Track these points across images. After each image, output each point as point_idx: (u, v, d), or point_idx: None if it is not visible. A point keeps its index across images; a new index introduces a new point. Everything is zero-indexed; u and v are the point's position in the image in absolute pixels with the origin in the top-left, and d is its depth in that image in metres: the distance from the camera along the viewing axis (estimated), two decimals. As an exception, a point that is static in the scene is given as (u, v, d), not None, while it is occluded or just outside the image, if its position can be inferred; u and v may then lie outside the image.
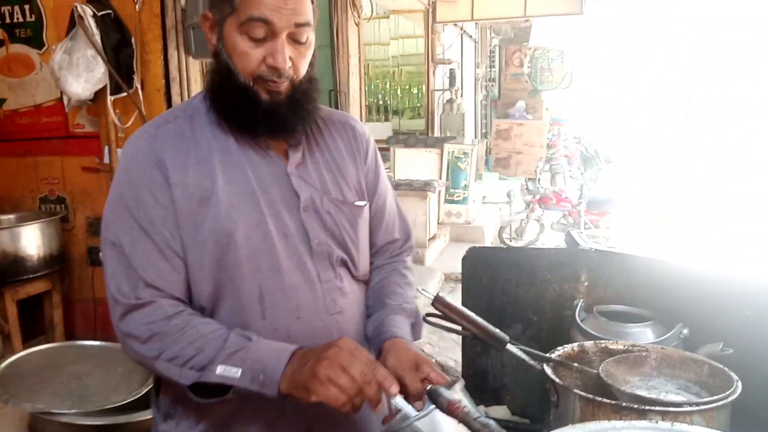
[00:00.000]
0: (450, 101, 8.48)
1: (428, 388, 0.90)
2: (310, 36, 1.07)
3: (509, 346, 1.09)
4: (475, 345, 1.64)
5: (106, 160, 2.97)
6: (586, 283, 1.55)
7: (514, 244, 6.70)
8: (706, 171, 12.35)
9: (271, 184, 1.10)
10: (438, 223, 6.21)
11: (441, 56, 8.29)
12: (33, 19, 3.06)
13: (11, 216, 3.15)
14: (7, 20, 3.09)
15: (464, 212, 6.62)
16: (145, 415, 2.15)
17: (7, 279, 2.87)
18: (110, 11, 2.78)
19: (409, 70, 9.59)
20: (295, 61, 1.06)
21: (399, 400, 0.92)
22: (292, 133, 1.12)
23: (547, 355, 1.11)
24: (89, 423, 2.02)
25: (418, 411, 0.93)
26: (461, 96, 9.00)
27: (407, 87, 9.76)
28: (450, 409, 0.86)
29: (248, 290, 1.06)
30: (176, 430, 1.11)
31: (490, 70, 12.45)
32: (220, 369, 0.96)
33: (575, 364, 1.11)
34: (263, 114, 1.06)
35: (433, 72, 8.26)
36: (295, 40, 1.04)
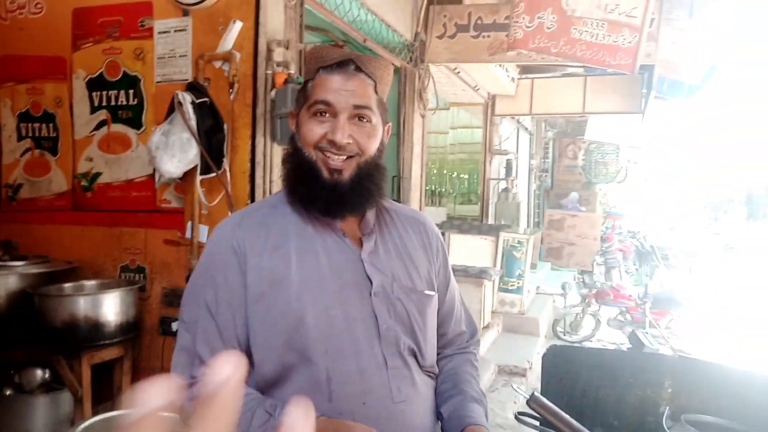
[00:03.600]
0: (506, 190, 8.59)
1: None
2: (373, 119, 1.19)
3: (604, 452, 1.10)
4: (553, 445, 1.62)
5: (188, 234, 3.15)
6: (669, 390, 1.54)
7: (568, 338, 6.55)
8: (769, 273, 11.88)
9: (345, 270, 1.18)
10: (492, 312, 6.16)
11: (498, 147, 8.49)
12: (135, 102, 3.35)
13: (93, 282, 3.33)
14: (112, 102, 3.39)
15: (518, 302, 6.56)
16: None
17: (85, 343, 3.00)
18: (207, 99, 3.03)
19: (462, 157, 9.82)
20: (358, 139, 1.16)
21: None
22: (353, 212, 1.21)
23: (643, 463, 1.11)
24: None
25: None
26: (516, 185, 9.12)
27: (459, 174, 9.96)
28: None
29: (315, 372, 1.11)
30: None
31: (544, 161, 12.59)
32: None
33: (672, 476, 1.10)
34: (322, 188, 1.16)
35: (490, 161, 8.44)
36: (357, 121, 1.16)
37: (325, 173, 1.16)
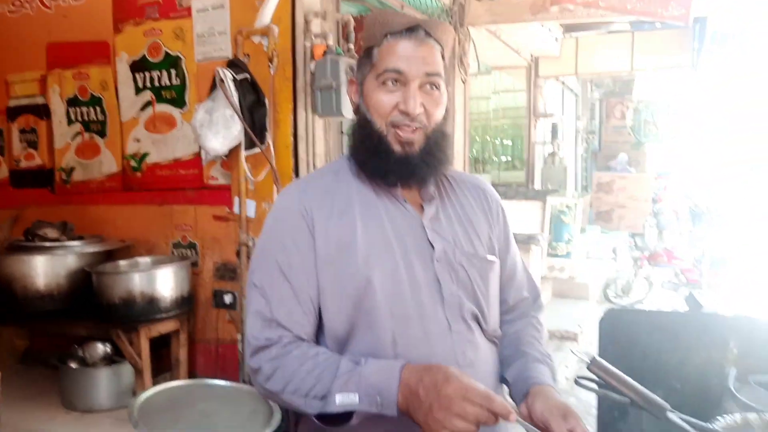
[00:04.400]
0: (552, 154, 8.39)
1: None
2: (441, 86, 1.16)
3: (669, 415, 1.07)
4: (612, 409, 1.59)
5: (236, 210, 3.19)
6: (735, 351, 1.48)
7: (620, 302, 6.42)
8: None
9: (407, 235, 1.17)
10: (541, 278, 6.08)
11: (542, 110, 8.28)
12: (178, 82, 3.38)
13: (147, 259, 3.43)
14: (156, 83, 3.44)
15: (568, 267, 6.45)
16: (269, 457, 2.23)
17: (142, 318, 3.10)
18: (247, 75, 3.03)
19: (505, 123, 9.62)
20: (428, 108, 1.14)
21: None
22: (423, 182, 1.19)
23: (712, 426, 1.08)
24: (221, 461, 2.12)
25: None
26: (562, 149, 8.90)
27: (502, 140, 9.77)
28: None
29: (382, 334, 1.11)
30: None
31: (591, 123, 12.24)
32: (339, 398, 1.01)
33: (742, 438, 1.06)
34: (395, 162, 1.14)
35: (534, 125, 8.25)
36: (427, 88, 1.13)
37: (397, 147, 1.14)
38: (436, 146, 1.17)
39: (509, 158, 9.59)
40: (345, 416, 1.03)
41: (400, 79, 1.12)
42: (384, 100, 1.13)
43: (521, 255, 1.41)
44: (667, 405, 1.06)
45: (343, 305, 1.12)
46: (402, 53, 1.12)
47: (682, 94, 11.68)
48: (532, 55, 7.75)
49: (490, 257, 1.24)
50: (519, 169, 9.03)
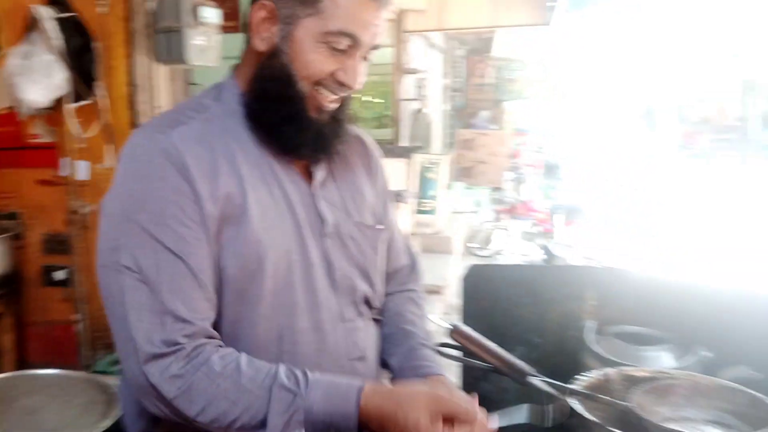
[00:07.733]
0: (418, 111, 8.44)
1: None
2: None
3: (530, 379, 1.00)
4: (475, 370, 1.54)
5: (64, 172, 2.80)
6: (593, 302, 1.47)
7: (480, 253, 6.69)
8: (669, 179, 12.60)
9: (297, 204, 0.97)
10: (410, 235, 6.14)
11: (409, 66, 8.26)
12: (-15, 21, 2.85)
13: (-45, 232, 2.93)
14: (-44, 22, 2.87)
15: (433, 222, 6.57)
16: (108, 452, 1.98)
17: (-46, 301, 2.66)
18: (72, 13, 2.63)
19: (374, 80, 9.53)
20: (362, 79, 0.98)
21: None
22: (332, 155, 1.02)
23: (572, 386, 1.02)
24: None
25: None
26: (428, 106, 8.99)
27: (372, 97, 9.70)
28: None
29: (265, 329, 0.93)
30: None
31: (455, 81, 12.52)
32: None
33: (603, 397, 1.02)
34: (311, 133, 0.96)
35: (401, 81, 8.21)
36: (364, 57, 0.97)
37: (313, 112, 0.94)
38: (343, 113, 1.01)
39: (378, 116, 9.55)
40: None
41: (349, 44, 0.92)
42: (322, 63, 0.92)
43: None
44: (528, 369, 1.00)
45: (225, 292, 0.91)
46: (364, 16, 0.91)
47: (538, 53, 12.25)
48: (398, 9, 7.65)
49: (379, 226, 1.08)
50: (389, 127, 9.02)
